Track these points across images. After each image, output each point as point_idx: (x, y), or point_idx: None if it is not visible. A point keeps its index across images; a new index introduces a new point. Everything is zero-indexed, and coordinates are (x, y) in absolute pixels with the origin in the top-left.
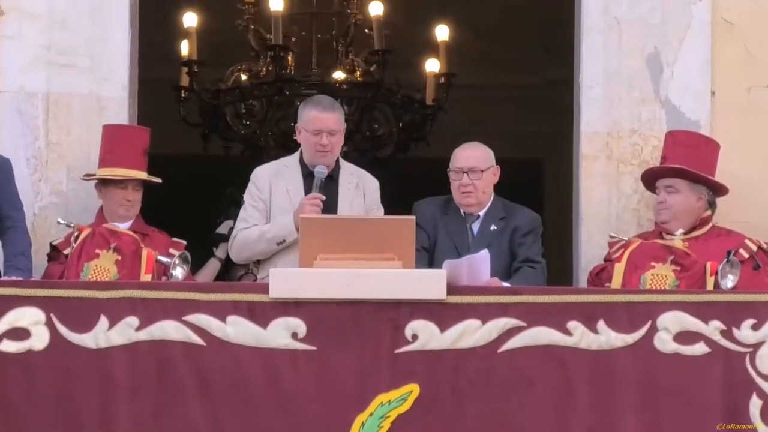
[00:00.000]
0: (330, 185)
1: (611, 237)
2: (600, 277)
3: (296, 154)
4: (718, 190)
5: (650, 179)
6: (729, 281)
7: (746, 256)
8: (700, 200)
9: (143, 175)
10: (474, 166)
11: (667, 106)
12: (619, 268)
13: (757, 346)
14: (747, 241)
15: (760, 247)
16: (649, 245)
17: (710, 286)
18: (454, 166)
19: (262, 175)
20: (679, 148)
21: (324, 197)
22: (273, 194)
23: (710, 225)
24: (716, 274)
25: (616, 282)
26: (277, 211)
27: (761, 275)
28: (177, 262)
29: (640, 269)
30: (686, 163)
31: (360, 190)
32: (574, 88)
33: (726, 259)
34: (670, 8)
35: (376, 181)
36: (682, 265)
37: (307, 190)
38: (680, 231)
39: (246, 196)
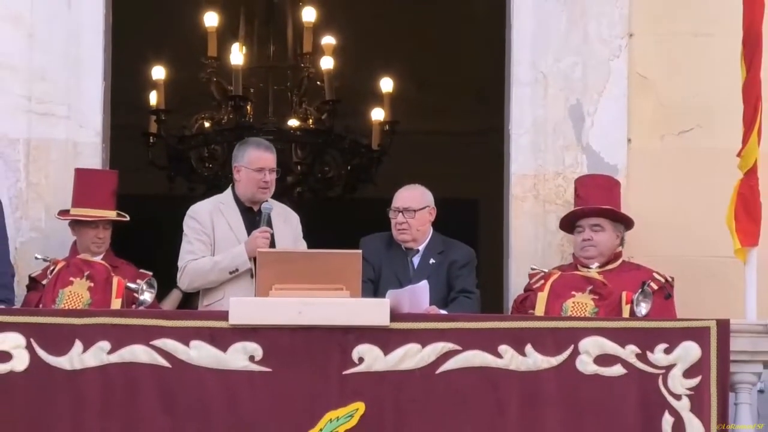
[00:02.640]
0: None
1: (532, 269)
2: (524, 305)
3: (228, 192)
4: (629, 226)
5: (571, 219)
6: (642, 308)
7: (655, 287)
8: (617, 237)
9: (112, 214)
10: (408, 206)
11: (587, 152)
12: (542, 297)
13: (668, 368)
14: (655, 275)
15: (666, 280)
16: (569, 276)
17: (626, 313)
18: (392, 206)
19: (202, 211)
20: (598, 190)
21: (272, 230)
22: (215, 229)
23: (621, 260)
24: (631, 302)
25: (540, 309)
26: (223, 244)
27: (669, 304)
28: (144, 287)
29: (562, 298)
30: (606, 203)
31: (288, 223)
32: (504, 135)
33: (640, 290)
34: (590, 63)
35: (297, 215)
36: (600, 294)
37: (247, 224)
38: (596, 265)
39: (189, 231)
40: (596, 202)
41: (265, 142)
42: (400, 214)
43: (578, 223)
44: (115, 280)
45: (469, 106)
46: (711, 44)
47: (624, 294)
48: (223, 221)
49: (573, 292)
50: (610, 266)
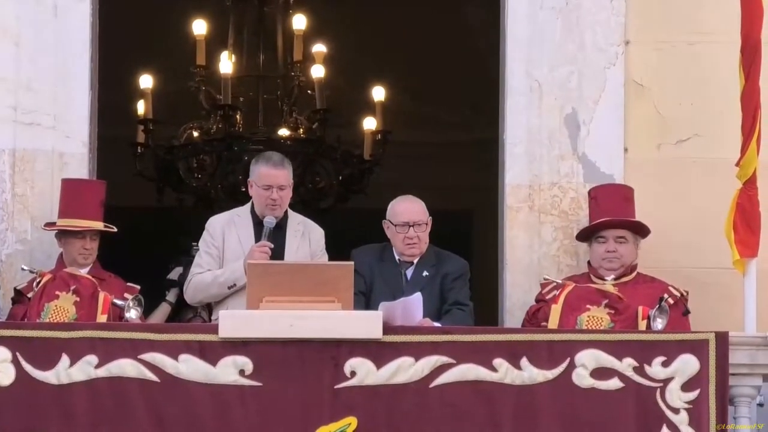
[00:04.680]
0: (278, 234)
1: (544, 279)
2: (536, 316)
3: (248, 205)
4: (643, 237)
5: (592, 229)
6: (659, 324)
7: (672, 302)
8: (637, 248)
9: (100, 225)
10: (418, 220)
11: (583, 162)
12: (555, 309)
13: (666, 381)
14: (671, 288)
15: (681, 294)
16: (584, 289)
17: (642, 328)
18: (398, 220)
19: (216, 224)
20: (619, 201)
21: (272, 245)
22: (226, 242)
23: (636, 272)
24: (648, 318)
25: (553, 322)
26: (230, 258)
27: (686, 320)
28: (131, 304)
29: (576, 311)
30: (627, 214)
31: (306, 238)
32: (499, 145)
33: (658, 305)
34: (586, 72)
35: (321, 230)
36: (616, 308)
37: (258, 238)
38: (611, 277)
39: (201, 244)
40: (618, 213)
41: (277, 158)
42: (411, 228)
43: (601, 233)
44: (102, 295)
45: (462, 115)
46: (709, 52)
47: (640, 309)
48: (234, 234)
49: (588, 306)
50: (625, 278)
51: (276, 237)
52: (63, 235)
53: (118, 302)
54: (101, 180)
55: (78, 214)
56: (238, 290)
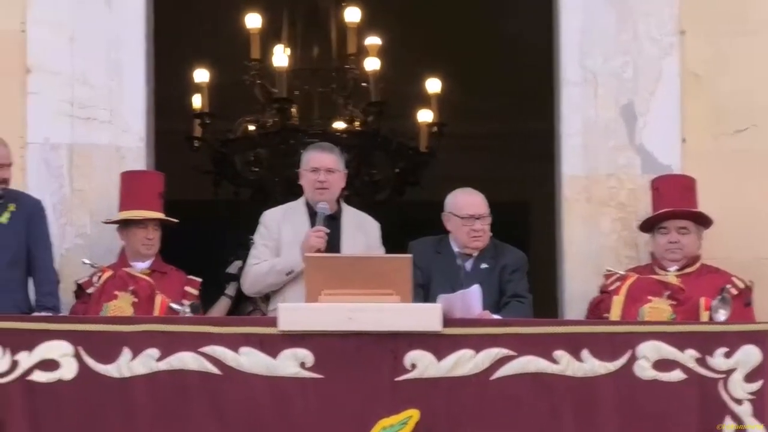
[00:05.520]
0: (333, 225)
1: (608, 270)
2: (599, 308)
3: (302, 198)
4: (706, 227)
5: (654, 220)
6: (721, 315)
7: (735, 292)
8: (700, 239)
9: (161, 215)
10: (483, 213)
11: (641, 152)
12: (617, 301)
13: (729, 372)
14: (734, 279)
15: (746, 285)
16: (645, 280)
17: (704, 319)
18: (463, 213)
19: (271, 216)
20: (681, 191)
21: (328, 230)
22: (282, 234)
23: (700, 262)
24: (710, 309)
25: (615, 314)
26: (287, 248)
27: (749, 312)
28: (187, 311)
29: (638, 302)
30: (689, 204)
31: (362, 231)
32: (555, 136)
33: (720, 296)
34: (641, 63)
35: (377, 223)
36: (678, 299)
37: (312, 227)
38: (674, 267)
39: (256, 236)
40: (680, 204)
41: (325, 144)
42: (477, 221)
43: (663, 224)
44: (159, 298)
45: (518, 106)
46: (765, 41)
47: (702, 300)
48: (290, 226)
49: (650, 297)
50: (689, 269)
51: (331, 229)
52: (125, 226)
53: (175, 306)
54: (159, 172)
55: (138, 205)
56: (295, 277)
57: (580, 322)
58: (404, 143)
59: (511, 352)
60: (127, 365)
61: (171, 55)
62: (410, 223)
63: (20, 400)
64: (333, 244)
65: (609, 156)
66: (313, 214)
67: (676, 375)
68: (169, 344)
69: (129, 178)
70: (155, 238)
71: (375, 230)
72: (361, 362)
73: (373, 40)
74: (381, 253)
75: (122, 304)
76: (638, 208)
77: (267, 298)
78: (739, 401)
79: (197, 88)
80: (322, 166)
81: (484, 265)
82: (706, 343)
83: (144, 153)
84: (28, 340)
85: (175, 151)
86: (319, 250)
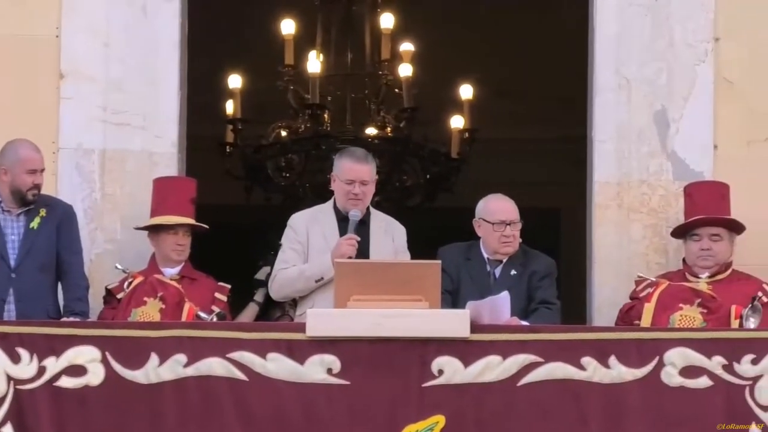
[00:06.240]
0: (362, 230)
1: (639, 277)
2: (629, 314)
3: (330, 201)
4: (739, 234)
5: (687, 226)
6: (752, 323)
7: (766, 300)
8: (732, 245)
9: (192, 221)
10: (514, 219)
11: (673, 159)
12: (648, 308)
13: (756, 379)
14: (765, 286)
15: None
16: (676, 287)
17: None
18: (495, 219)
19: (299, 220)
20: (714, 198)
21: (359, 238)
22: (310, 238)
23: (731, 269)
24: (741, 317)
25: (646, 321)
26: (314, 253)
27: None
28: (215, 320)
29: (669, 310)
30: (722, 211)
31: (389, 235)
32: (587, 142)
33: (750, 304)
34: (675, 69)
35: (403, 228)
36: (709, 307)
37: (342, 233)
38: (705, 274)
39: (284, 240)
40: (713, 211)
41: (361, 153)
42: (508, 227)
43: (695, 231)
44: (186, 306)
45: (550, 112)
46: None
47: (733, 308)
48: (318, 230)
49: (681, 305)
50: (720, 276)
51: (360, 233)
52: (155, 232)
53: (203, 315)
54: (191, 177)
55: (170, 211)
56: (325, 284)
57: (607, 328)
58: (436, 149)
59: (539, 359)
60: (154, 371)
61: (204, 61)
62: (442, 229)
63: (47, 406)
64: (362, 248)
65: (641, 162)
66: (342, 218)
67: (703, 381)
68: (196, 350)
69: (161, 184)
70: (186, 244)
71: (401, 234)
72: (388, 368)
73: (406, 47)
74: (409, 259)
75: (150, 311)
76: (669, 215)
77: (295, 303)
78: (765, 408)
79: (230, 93)
80: (358, 179)
81: (513, 272)
82: (733, 350)
83: (176, 158)
84: (55, 346)
85: (207, 156)
86: (349, 257)
